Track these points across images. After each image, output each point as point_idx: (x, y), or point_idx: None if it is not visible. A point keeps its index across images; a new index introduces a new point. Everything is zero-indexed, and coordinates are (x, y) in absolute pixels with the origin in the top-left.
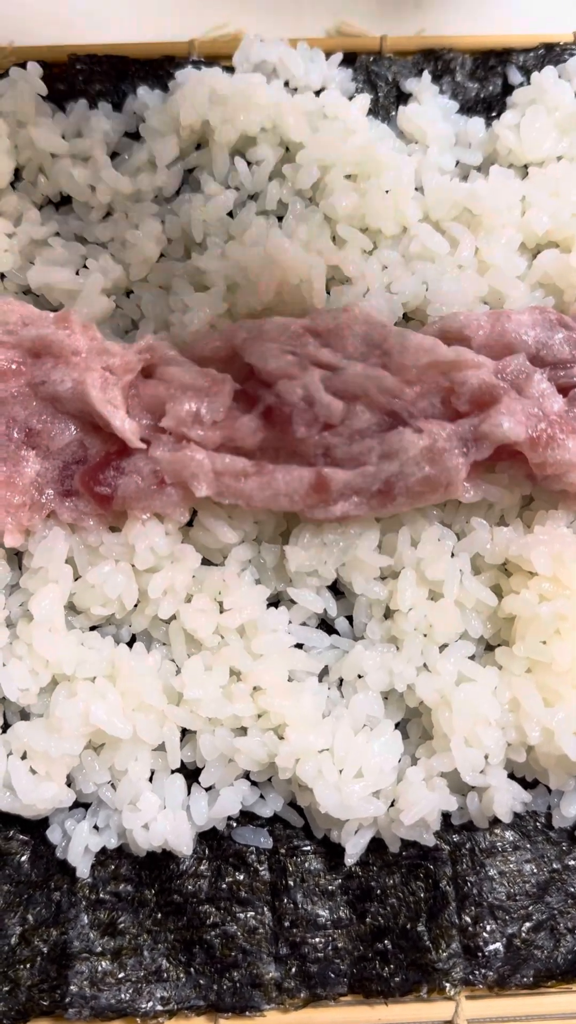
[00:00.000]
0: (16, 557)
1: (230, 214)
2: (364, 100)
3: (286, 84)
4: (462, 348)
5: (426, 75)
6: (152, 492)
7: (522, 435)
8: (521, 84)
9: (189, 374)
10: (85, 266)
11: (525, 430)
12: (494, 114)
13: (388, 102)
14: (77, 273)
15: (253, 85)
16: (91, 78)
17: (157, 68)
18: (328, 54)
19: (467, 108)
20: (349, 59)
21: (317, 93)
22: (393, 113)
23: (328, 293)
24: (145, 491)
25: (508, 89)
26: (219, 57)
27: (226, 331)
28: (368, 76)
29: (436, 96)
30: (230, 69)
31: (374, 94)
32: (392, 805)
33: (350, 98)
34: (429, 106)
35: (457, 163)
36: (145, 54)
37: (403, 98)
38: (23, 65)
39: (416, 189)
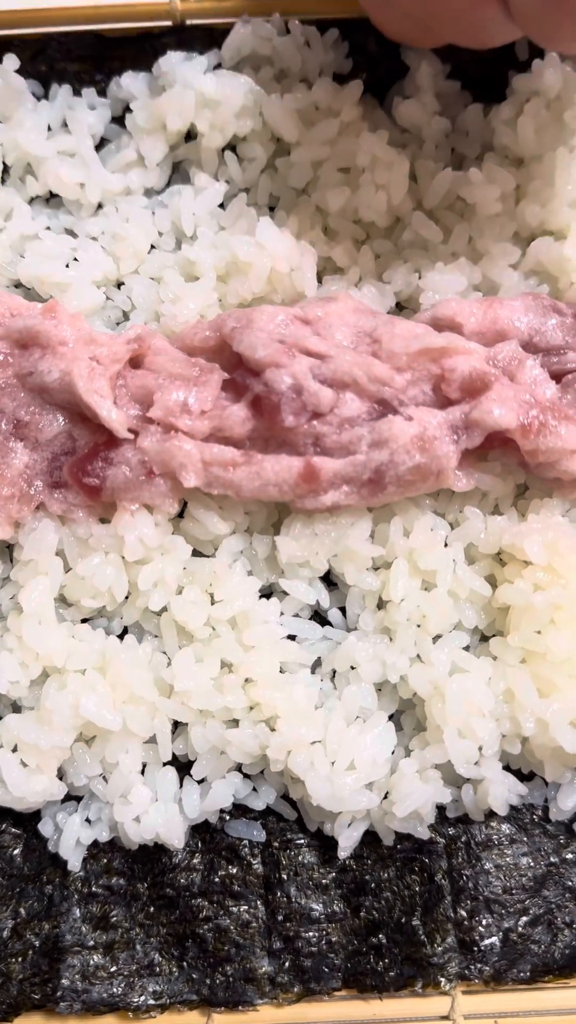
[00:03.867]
0: (7, 550)
1: (221, 205)
2: (357, 86)
3: (276, 76)
4: (452, 335)
5: (423, 65)
6: (141, 483)
7: (513, 422)
8: (520, 73)
9: (177, 363)
10: (76, 259)
11: (516, 417)
12: (491, 104)
13: (385, 78)
14: (68, 266)
15: (242, 88)
16: (69, 57)
17: (138, 47)
18: (322, 27)
19: (464, 98)
20: (344, 33)
21: (309, 87)
22: (390, 92)
23: (320, 283)
24: (134, 482)
25: (506, 79)
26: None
27: (215, 320)
28: (365, 55)
29: (432, 86)
30: (217, 43)
31: (370, 73)
32: (385, 797)
33: (343, 82)
34: (425, 96)
35: (452, 151)
36: (124, 14)
37: (400, 73)
38: None
39: (410, 178)
